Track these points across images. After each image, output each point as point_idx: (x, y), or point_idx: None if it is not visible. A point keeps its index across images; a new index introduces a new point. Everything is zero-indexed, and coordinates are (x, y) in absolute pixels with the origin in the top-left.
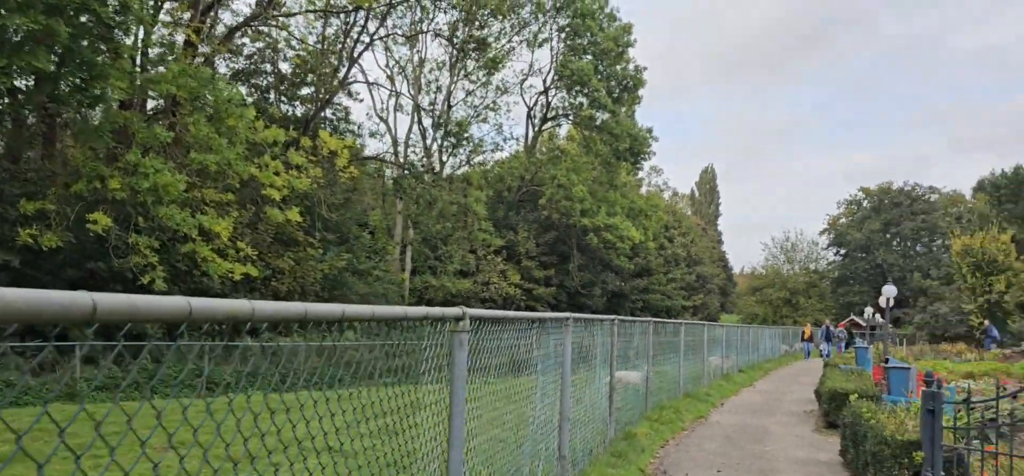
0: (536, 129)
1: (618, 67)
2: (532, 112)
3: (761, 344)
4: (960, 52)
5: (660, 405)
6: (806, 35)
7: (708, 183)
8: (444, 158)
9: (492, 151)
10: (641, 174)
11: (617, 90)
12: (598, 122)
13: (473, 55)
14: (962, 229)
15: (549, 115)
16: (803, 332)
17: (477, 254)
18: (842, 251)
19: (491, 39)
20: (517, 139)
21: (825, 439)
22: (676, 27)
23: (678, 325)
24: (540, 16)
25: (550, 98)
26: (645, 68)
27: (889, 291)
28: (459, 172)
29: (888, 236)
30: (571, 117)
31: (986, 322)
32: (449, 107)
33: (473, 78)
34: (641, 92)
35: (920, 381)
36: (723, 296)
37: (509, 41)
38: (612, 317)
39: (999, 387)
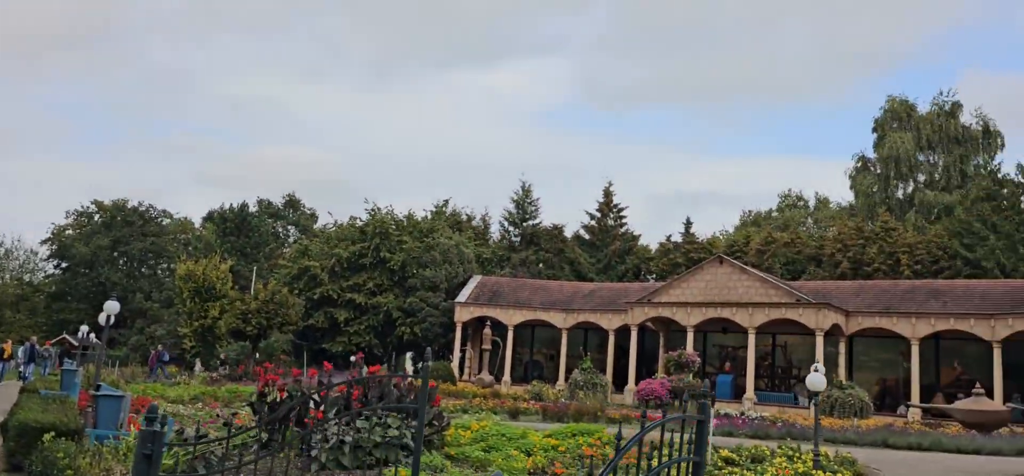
0: None
1: None
2: None
3: None
4: (214, 96)
5: None
6: (65, 36)
7: None
8: None
9: None
10: None
11: None
12: None
13: None
14: (189, 255)
15: None
16: (2, 350)
17: None
18: (64, 264)
19: None
20: None
21: None
22: None
23: None
24: None
25: None
26: None
27: (112, 307)
28: None
29: (116, 254)
30: None
31: (159, 347)
32: None
33: None
34: None
35: (139, 409)
36: None
37: None
38: None
39: (230, 424)
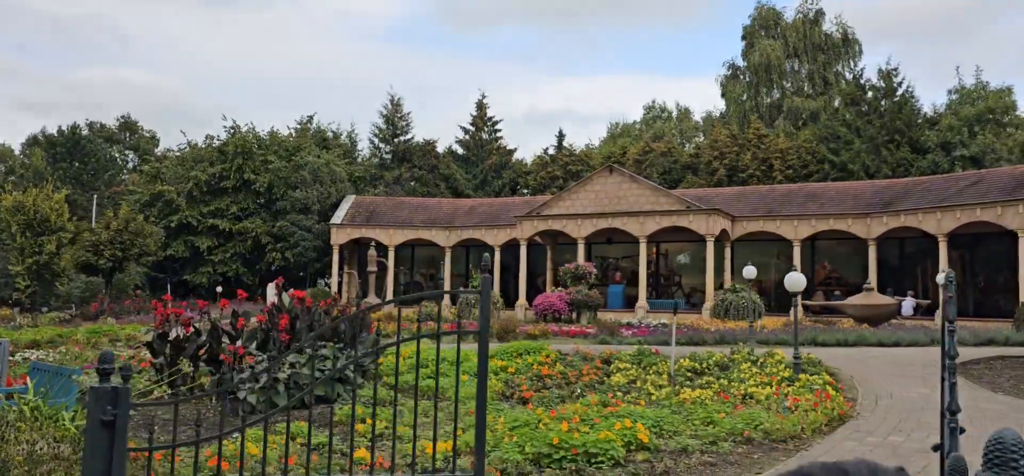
0: None
1: None
2: None
3: None
4: (30, 12)
5: None
6: None
7: None
8: None
9: None
10: None
11: None
12: None
13: None
14: (14, 185)
15: None
16: None
17: None
18: None
19: None
20: None
21: None
22: None
23: None
24: None
25: None
26: None
27: None
28: None
29: None
30: None
31: None
32: None
33: None
34: None
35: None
36: None
37: None
38: None
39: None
